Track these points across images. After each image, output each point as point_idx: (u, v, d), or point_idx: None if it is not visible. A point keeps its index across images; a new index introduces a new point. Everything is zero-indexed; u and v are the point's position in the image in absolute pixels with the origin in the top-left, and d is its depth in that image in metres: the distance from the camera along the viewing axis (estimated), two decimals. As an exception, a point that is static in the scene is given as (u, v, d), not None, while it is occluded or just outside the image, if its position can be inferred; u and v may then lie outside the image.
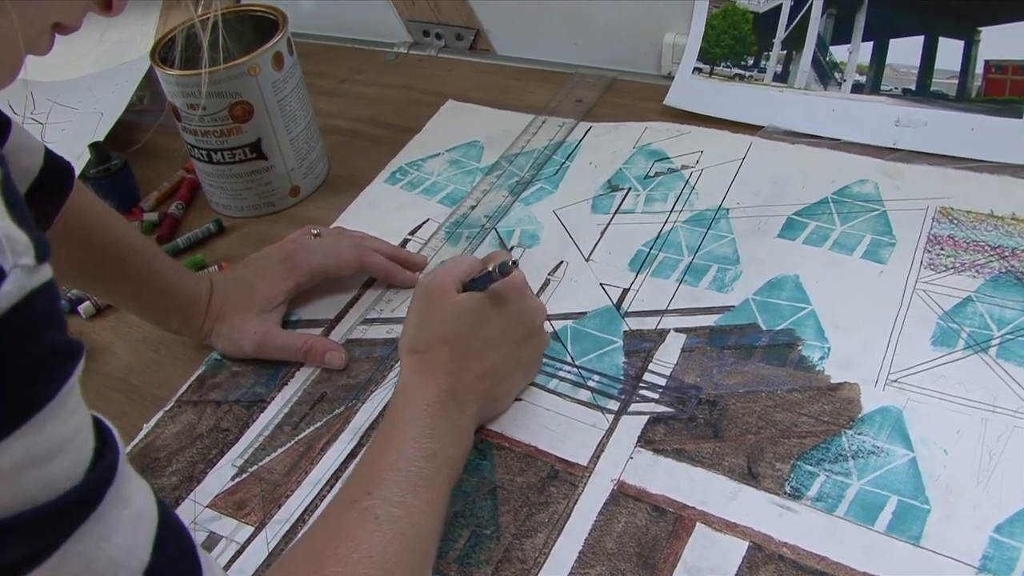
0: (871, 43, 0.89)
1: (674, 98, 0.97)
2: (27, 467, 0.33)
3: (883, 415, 0.62)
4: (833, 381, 0.65)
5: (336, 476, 0.64)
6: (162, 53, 0.86)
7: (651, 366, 0.68)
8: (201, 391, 0.73)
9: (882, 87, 0.88)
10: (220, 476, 0.66)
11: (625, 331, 0.71)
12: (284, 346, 0.73)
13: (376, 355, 0.73)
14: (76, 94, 1.08)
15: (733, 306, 0.72)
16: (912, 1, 0.86)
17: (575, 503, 0.59)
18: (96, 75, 1.10)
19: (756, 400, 0.64)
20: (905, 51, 0.87)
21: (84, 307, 0.82)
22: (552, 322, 0.73)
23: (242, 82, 0.84)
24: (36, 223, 0.63)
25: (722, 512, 0.57)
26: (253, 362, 0.74)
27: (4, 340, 0.32)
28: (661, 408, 0.65)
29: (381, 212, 0.90)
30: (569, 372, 0.69)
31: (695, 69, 0.97)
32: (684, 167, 0.88)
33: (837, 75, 0.90)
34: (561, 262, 0.79)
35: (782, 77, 0.93)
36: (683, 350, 0.69)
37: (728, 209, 0.81)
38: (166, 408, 0.72)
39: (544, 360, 0.69)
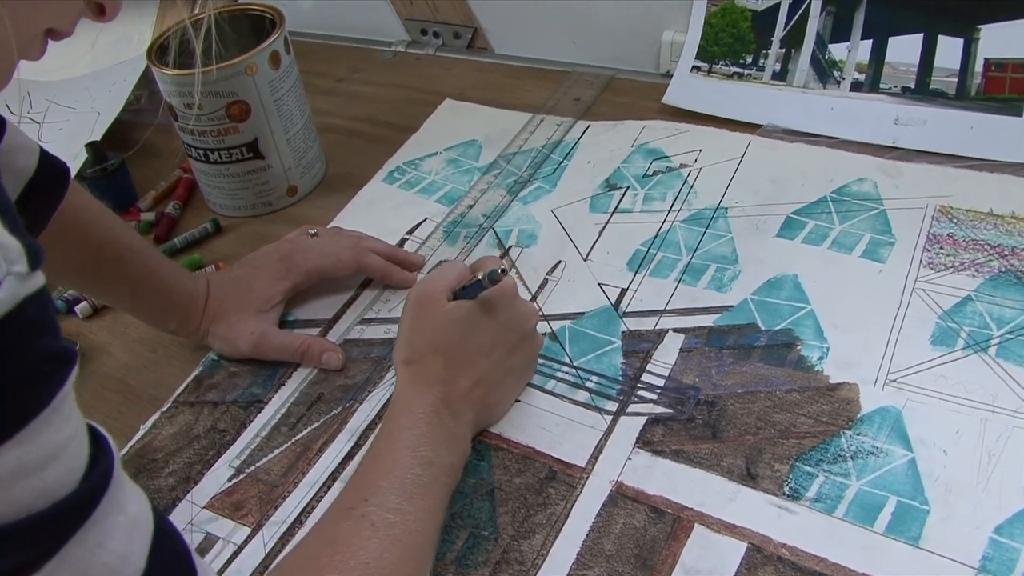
0: (870, 41, 0.89)
1: (672, 96, 0.96)
2: (22, 475, 0.33)
3: (882, 415, 0.61)
4: (832, 381, 0.64)
5: (333, 477, 0.64)
6: (159, 52, 0.86)
7: (649, 366, 0.68)
8: (198, 392, 0.73)
9: (881, 85, 0.88)
10: (217, 477, 0.66)
11: (623, 331, 0.71)
12: (281, 346, 0.73)
13: (373, 355, 0.73)
14: (73, 93, 1.08)
15: (732, 306, 0.72)
16: (911, -1, 0.86)
17: (573, 504, 0.59)
18: (93, 74, 1.10)
19: (755, 400, 0.64)
20: (904, 49, 0.87)
21: (81, 307, 0.82)
22: (550, 322, 0.73)
23: (239, 81, 0.83)
24: (32, 223, 0.64)
25: (721, 513, 0.57)
26: (250, 362, 0.74)
27: None
28: (659, 409, 0.64)
29: (378, 211, 0.90)
30: (567, 373, 0.68)
31: (693, 67, 0.97)
32: (683, 166, 0.87)
33: (836, 73, 0.90)
34: (559, 262, 0.79)
35: (781, 75, 0.93)
36: (681, 350, 0.69)
37: (727, 208, 0.81)
38: (163, 409, 0.72)
39: (542, 361, 0.69)
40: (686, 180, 0.85)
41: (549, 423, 0.65)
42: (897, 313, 0.68)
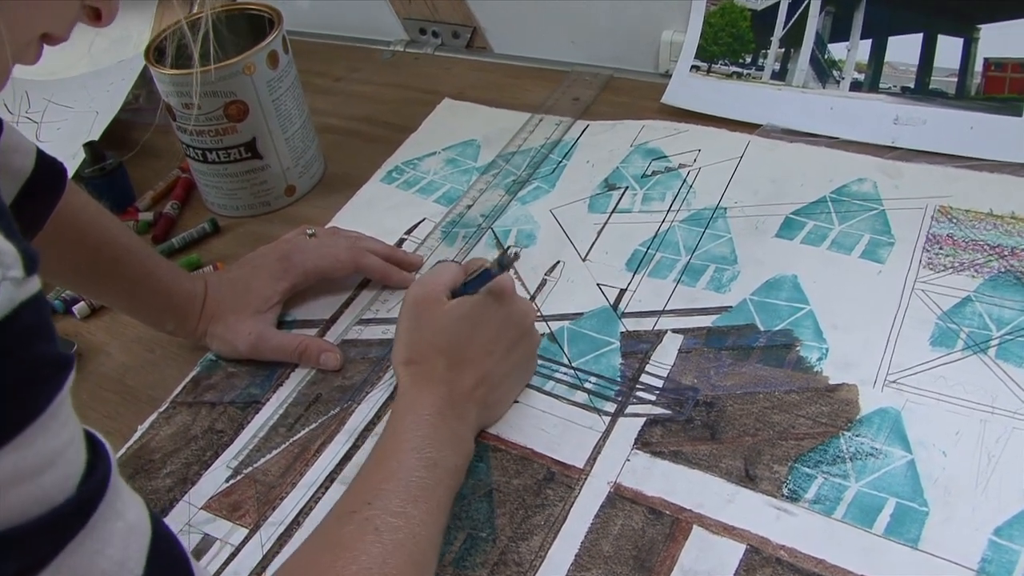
0: (870, 41, 0.88)
1: (672, 96, 0.96)
2: (18, 481, 0.33)
3: (881, 416, 0.61)
4: (831, 382, 0.64)
5: (331, 478, 0.64)
6: (157, 52, 0.86)
7: (648, 367, 0.68)
8: (196, 392, 0.73)
9: (881, 85, 0.88)
10: (215, 478, 0.66)
11: (622, 332, 0.71)
12: (279, 347, 0.73)
13: (371, 356, 0.73)
14: (71, 93, 1.08)
15: (731, 306, 0.71)
16: (911, -2, 0.86)
17: (571, 505, 0.59)
18: (91, 74, 1.10)
19: (754, 401, 0.64)
20: (904, 49, 0.87)
21: (79, 307, 0.82)
22: (548, 323, 0.73)
23: (237, 81, 0.83)
24: (29, 225, 0.63)
25: (719, 515, 0.57)
26: (248, 363, 0.74)
27: None
28: (658, 410, 0.64)
29: (377, 211, 0.89)
30: (566, 374, 0.68)
31: (693, 67, 0.97)
32: (682, 166, 0.87)
33: (835, 73, 0.90)
34: (558, 262, 0.79)
35: (780, 75, 0.92)
36: (680, 351, 0.68)
37: (726, 208, 0.81)
38: (161, 409, 0.72)
39: (540, 362, 0.69)
40: (685, 180, 0.85)
41: (547, 424, 0.65)
42: (896, 314, 0.68)
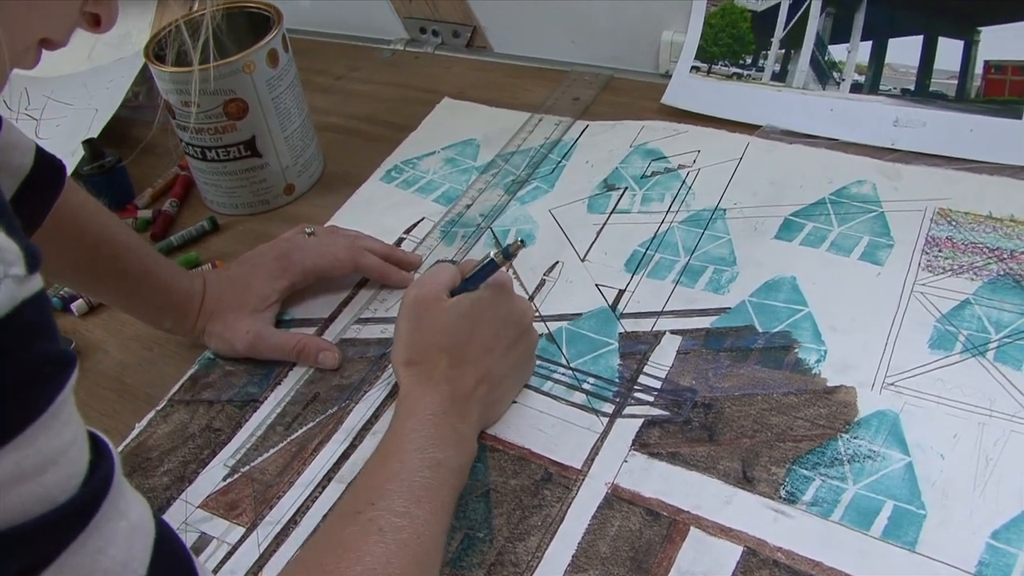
0: (870, 42, 0.88)
1: (671, 97, 0.96)
2: (20, 480, 0.33)
3: (879, 419, 0.61)
4: (829, 384, 0.64)
5: (328, 477, 0.64)
6: (156, 50, 0.86)
7: (646, 368, 0.67)
8: (194, 390, 0.73)
9: (881, 87, 0.88)
10: (212, 476, 0.66)
11: (620, 333, 0.71)
12: (277, 345, 0.73)
13: (370, 355, 0.73)
14: (70, 90, 1.08)
15: (729, 308, 0.71)
16: (911, 0, 0.86)
17: (569, 506, 0.59)
18: (91, 71, 1.10)
19: (752, 403, 0.64)
20: (904, 51, 0.87)
21: (77, 305, 0.82)
22: (547, 323, 0.73)
23: (236, 79, 0.83)
24: (27, 221, 0.63)
25: (716, 516, 0.57)
26: (246, 361, 0.74)
27: None
28: (656, 411, 0.64)
29: (376, 210, 0.89)
30: (564, 374, 0.68)
31: (693, 68, 0.97)
32: (681, 167, 0.87)
33: (836, 74, 0.90)
34: (556, 262, 0.79)
35: (780, 76, 0.92)
36: (679, 352, 0.68)
37: (725, 209, 0.81)
38: (158, 407, 0.72)
39: (538, 362, 0.69)
40: (684, 181, 0.85)
41: (545, 424, 0.65)
42: (895, 316, 0.68)
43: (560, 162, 0.91)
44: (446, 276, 0.64)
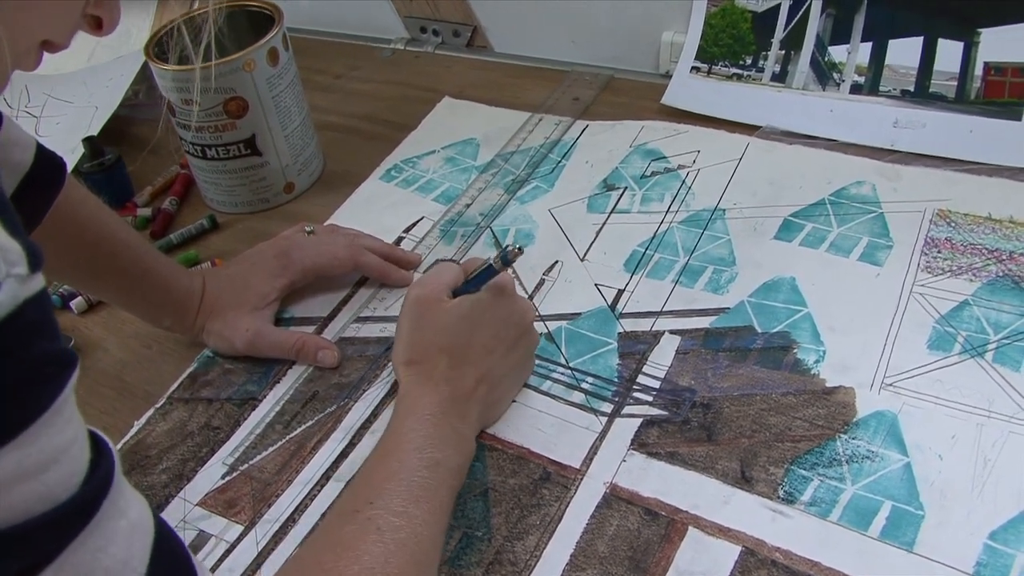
0: (870, 43, 0.88)
1: (671, 97, 0.96)
2: (21, 478, 0.33)
3: (878, 419, 0.61)
4: (828, 385, 0.64)
5: (327, 476, 0.64)
6: (157, 48, 0.86)
7: (645, 368, 0.68)
8: (193, 388, 0.73)
9: (881, 88, 0.88)
10: (210, 474, 0.66)
11: (619, 333, 0.71)
12: (276, 344, 0.73)
13: (369, 353, 0.73)
14: (71, 88, 1.08)
15: (728, 308, 0.71)
16: (912, 2, 0.86)
17: (567, 505, 0.59)
18: (91, 69, 1.10)
19: (750, 403, 0.64)
20: (904, 52, 0.87)
21: (76, 303, 0.82)
22: (546, 323, 0.73)
23: (237, 78, 0.83)
24: (27, 219, 0.63)
25: (715, 516, 0.57)
26: (245, 360, 0.74)
27: None
28: (655, 411, 0.64)
29: (375, 209, 0.89)
30: (563, 374, 0.68)
31: (693, 68, 0.97)
32: (681, 167, 0.87)
33: (836, 75, 0.90)
34: (556, 262, 0.79)
35: (780, 77, 0.92)
36: (678, 352, 0.68)
37: (724, 210, 0.81)
38: (157, 405, 0.72)
39: (537, 362, 0.69)
40: (684, 181, 0.85)
41: (544, 424, 0.65)
42: (894, 317, 0.68)
43: (560, 162, 0.91)
44: (448, 276, 0.64)
